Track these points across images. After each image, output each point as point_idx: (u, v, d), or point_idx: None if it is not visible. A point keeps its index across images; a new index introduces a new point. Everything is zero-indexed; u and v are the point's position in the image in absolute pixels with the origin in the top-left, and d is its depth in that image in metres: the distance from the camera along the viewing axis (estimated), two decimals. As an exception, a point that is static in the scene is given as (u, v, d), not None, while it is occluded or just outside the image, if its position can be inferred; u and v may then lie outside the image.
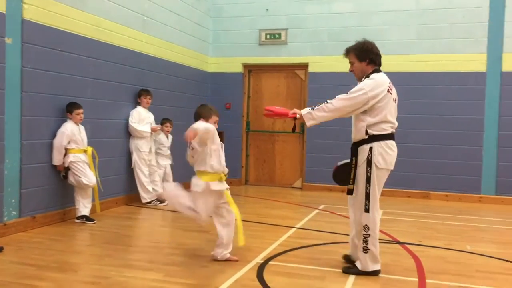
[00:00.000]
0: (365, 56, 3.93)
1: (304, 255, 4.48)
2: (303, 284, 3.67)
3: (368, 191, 3.78)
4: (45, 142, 5.36)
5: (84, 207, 5.58)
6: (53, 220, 5.47)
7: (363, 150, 3.81)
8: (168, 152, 7.57)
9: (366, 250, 3.83)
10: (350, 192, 3.90)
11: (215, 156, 4.10)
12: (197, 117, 4.28)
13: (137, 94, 6.97)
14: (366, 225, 3.81)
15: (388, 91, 3.82)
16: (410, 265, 4.24)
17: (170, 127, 7.55)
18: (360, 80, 3.99)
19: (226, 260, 4.14)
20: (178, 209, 4.30)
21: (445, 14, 8.23)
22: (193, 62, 8.84)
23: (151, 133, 6.93)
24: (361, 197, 3.82)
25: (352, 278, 3.82)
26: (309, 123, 3.86)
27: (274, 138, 9.44)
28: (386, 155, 3.81)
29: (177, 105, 8.26)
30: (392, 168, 3.90)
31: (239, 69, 9.44)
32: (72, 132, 5.45)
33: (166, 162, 7.55)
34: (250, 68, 9.50)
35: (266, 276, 3.80)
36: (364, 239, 3.82)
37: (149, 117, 7.00)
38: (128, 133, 6.86)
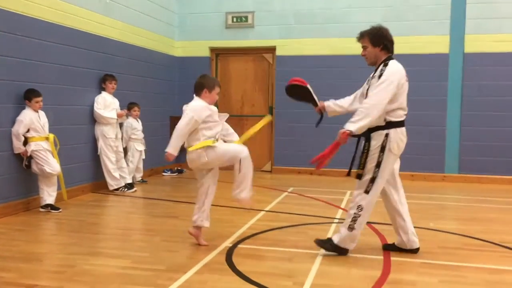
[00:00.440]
0: (380, 41, 3.88)
1: (272, 238, 4.53)
2: (271, 266, 3.71)
3: (375, 175, 3.78)
4: (4, 130, 5.20)
5: (48, 195, 5.46)
6: (16, 209, 5.33)
7: (378, 136, 3.80)
8: (142, 136, 7.51)
9: (351, 228, 3.87)
10: (359, 176, 3.86)
11: (207, 129, 4.10)
12: (200, 88, 4.15)
13: (102, 79, 6.82)
14: (360, 205, 3.84)
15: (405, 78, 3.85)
16: (376, 243, 4.34)
17: (139, 111, 7.46)
18: (372, 65, 3.97)
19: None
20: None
21: (409, -4, 8.33)
22: (159, 46, 8.69)
23: (117, 119, 6.81)
24: (367, 179, 3.81)
25: (319, 258, 3.88)
26: (361, 131, 3.77)
27: (243, 122, 9.41)
28: (400, 142, 3.83)
29: (144, 90, 8.14)
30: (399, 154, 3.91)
31: (206, 53, 9.34)
32: (31, 120, 5.30)
33: (141, 148, 7.49)
34: (218, 52, 9.41)
35: (235, 259, 3.82)
36: (354, 218, 3.85)
37: (115, 103, 6.87)
38: (93, 120, 6.72)
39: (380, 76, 3.77)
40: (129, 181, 7.06)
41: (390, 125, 3.79)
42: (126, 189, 6.81)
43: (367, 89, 3.91)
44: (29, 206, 5.52)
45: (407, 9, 8.29)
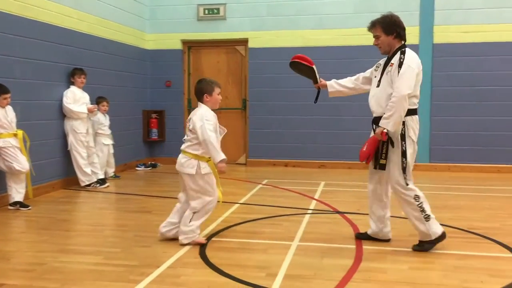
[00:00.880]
0: (392, 29, 3.82)
1: (246, 230, 4.53)
2: (245, 258, 3.71)
3: (404, 165, 3.75)
4: (-30, 127, 5.05)
5: (17, 192, 5.34)
6: (-16, 208, 5.20)
7: None
8: (109, 131, 7.40)
9: (427, 217, 3.77)
10: (382, 167, 3.82)
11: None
12: (200, 94, 3.99)
13: (70, 73, 6.68)
14: (415, 195, 3.76)
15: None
16: (349, 233, 4.39)
17: (107, 106, 7.35)
18: (385, 54, 3.92)
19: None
20: None
21: (379, -12, 8.40)
22: (129, 39, 8.56)
23: (88, 113, 6.69)
24: (397, 171, 3.77)
25: (293, 249, 3.90)
26: (398, 127, 3.73)
27: (217, 115, 9.35)
28: (416, 129, 3.83)
29: (116, 84, 8.01)
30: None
31: (178, 45, 9.24)
32: (-2, 117, 5.16)
33: (109, 142, 7.38)
34: (190, 45, 9.32)
35: (209, 252, 3.80)
36: (421, 209, 3.76)
37: (85, 97, 6.74)
38: (62, 114, 6.58)
39: (400, 65, 3.71)
40: (101, 176, 6.95)
41: (407, 113, 3.73)
42: (98, 184, 6.71)
43: (381, 77, 3.86)
44: (-3, 204, 5.39)
45: (378, 1, 8.36)
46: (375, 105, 3.93)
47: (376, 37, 3.91)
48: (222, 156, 3.83)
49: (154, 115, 9.21)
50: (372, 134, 4.00)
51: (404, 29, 3.87)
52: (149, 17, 9.26)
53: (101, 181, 6.80)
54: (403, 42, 3.86)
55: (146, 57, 9.19)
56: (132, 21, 8.68)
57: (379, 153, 3.85)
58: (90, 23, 7.29)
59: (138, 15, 8.90)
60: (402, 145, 3.76)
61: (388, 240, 4.08)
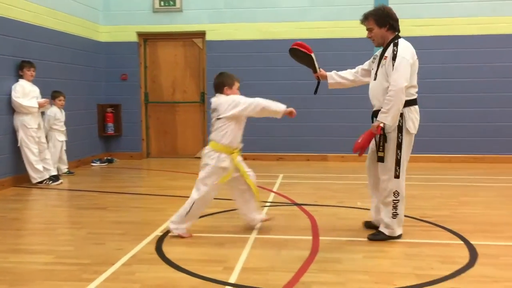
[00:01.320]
0: (385, 21, 3.81)
1: (204, 224, 4.50)
2: (202, 252, 3.68)
3: (399, 157, 3.74)
4: None
5: (-37, 192, 5.10)
6: None
7: None
8: (64, 127, 7.18)
9: (395, 215, 3.82)
10: (381, 159, 3.81)
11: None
12: (220, 87, 4.00)
13: (19, 66, 6.41)
14: (396, 191, 3.79)
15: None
16: (305, 224, 4.43)
17: (64, 100, 7.12)
18: (379, 46, 3.90)
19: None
20: None
21: (335, -18, 8.49)
22: (82, 31, 8.30)
23: (39, 108, 6.45)
24: (391, 164, 3.77)
25: (251, 242, 3.90)
26: (396, 120, 3.71)
27: (174, 109, 9.26)
28: (415, 120, 3.82)
29: (68, 77, 7.76)
30: (416, 133, 3.90)
31: (133, 38, 9.04)
32: None
33: (63, 139, 7.16)
34: (145, 37, 9.13)
35: (165, 248, 3.75)
36: (394, 205, 3.81)
37: (35, 90, 6.50)
38: (11, 109, 6.32)
39: (394, 58, 3.70)
40: (54, 173, 6.73)
41: (404, 104, 3.72)
42: (50, 181, 6.49)
43: (377, 70, 3.86)
44: None
45: (334, -6, 8.45)
46: (373, 98, 3.94)
47: (369, 30, 3.91)
48: (282, 105, 3.89)
49: (109, 109, 8.99)
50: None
51: (397, 20, 3.87)
52: (102, 8, 9.00)
53: (54, 178, 6.59)
54: (396, 33, 3.87)
55: (100, 50, 8.94)
56: (85, 13, 8.41)
57: (377, 146, 3.86)
58: (39, 14, 7.01)
59: (91, 6, 8.63)
60: (398, 137, 3.76)
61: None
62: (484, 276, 3.17)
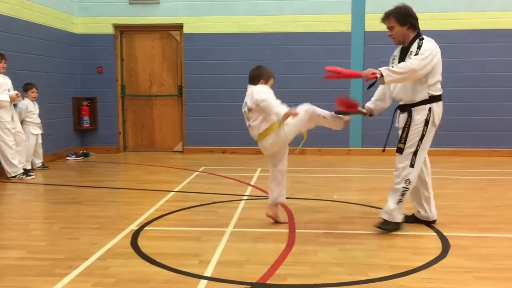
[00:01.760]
0: (406, 20, 3.86)
1: (180, 218, 4.48)
2: (178, 246, 3.67)
3: (418, 148, 3.84)
4: None
5: None
6: None
7: (422, 110, 3.82)
8: (39, 120, 7.05)
9: (400, 202, 3.88)
10: (400, 150, 3.89)
11: None
12: (256, 79, 4.12)
13: (-11, 58, 6.26)
14: (408, 179, 3.85)
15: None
16: (282, 218, 4.44)
17: (36, 92, 6.98)
18: (399, 44, 3.96)
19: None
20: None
21: (313, -25, 8.49)
22: (56, 22, 8.13)
23: (10, 102, 6.30)
24: (409, 154, 3.85)
25: (227, 235, 3.90)
26: (387, 79, 3.70)
27: (151, 102, 9.17)
28: (440, 114, 3.90)
29: (41, 69, 7.60)
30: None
31: (109, 30, 8.90)
32: None
33: (38, 132, 7.02)
34: (122, 29, 9.00)
35: (141, 242, 3.72)
36: (403, 192, 3.87)
37: (7, 83, 6.34)
38: (-18, 102, 6.17)
39: (419, 47, 3.76)
40: (28, 167, 6.60)
41: (433, 99, 3.83)
42: (24, 175, 6.37)
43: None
44: None
45: (312, -12, 8.46)
46: (402, 93, 3.96)
47: (390, 28, 3.96)
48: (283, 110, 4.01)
49: (85, 103, 8.85)
50: (397, 122, 4.08)
51: (417, 19, 3.94)
52: (77, -1, 8.84)
53: (27, 172, 6.46)
54: (417, 31, 3.94)
55: (75, 42, 8.78)
56: (59, 4, 8.24)
57: (400, 137, 3.93)
58: (10, 4, 6.84)
59: (65, -3, 8.47)
60: (424, 130, 3.85)
61: (434, 221, 4.14)
62: (455, 267, 3.23)
